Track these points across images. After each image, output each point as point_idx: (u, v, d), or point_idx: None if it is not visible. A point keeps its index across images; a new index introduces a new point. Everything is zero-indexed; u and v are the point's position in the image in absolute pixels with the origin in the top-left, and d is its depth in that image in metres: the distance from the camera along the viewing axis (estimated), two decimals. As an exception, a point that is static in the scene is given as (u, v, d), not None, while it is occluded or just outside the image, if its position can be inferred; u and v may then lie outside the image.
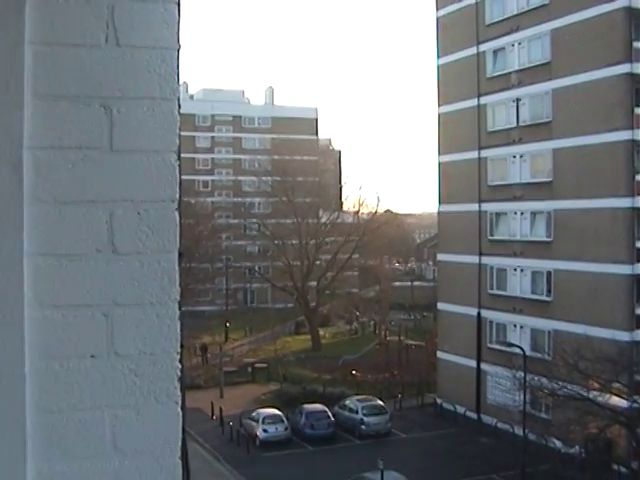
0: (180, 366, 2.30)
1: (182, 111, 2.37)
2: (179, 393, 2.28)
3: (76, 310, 2.24)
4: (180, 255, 2.32)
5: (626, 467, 32.10)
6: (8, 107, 2.16)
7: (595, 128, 43.62)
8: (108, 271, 2.26)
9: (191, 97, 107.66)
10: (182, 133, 2.37)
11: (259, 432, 47.68)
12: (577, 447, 34.82)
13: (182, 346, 2.28)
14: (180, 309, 2.30)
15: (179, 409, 2.30)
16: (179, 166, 2.35)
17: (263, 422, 48.25)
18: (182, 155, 2.38)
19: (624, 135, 42.07)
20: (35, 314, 2.19)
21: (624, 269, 42.02)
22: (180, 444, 2.28)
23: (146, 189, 2.29)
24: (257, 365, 66.88)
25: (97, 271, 2.26)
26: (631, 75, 42.02)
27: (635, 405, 31.74)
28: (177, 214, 2.31)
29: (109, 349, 2.26)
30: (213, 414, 53.25)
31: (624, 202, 42.15)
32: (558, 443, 36.70)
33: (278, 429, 48.01)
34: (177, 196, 2.32)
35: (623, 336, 41.08)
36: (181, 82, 2.39)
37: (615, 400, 32.25)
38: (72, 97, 2.25)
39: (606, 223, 43.27)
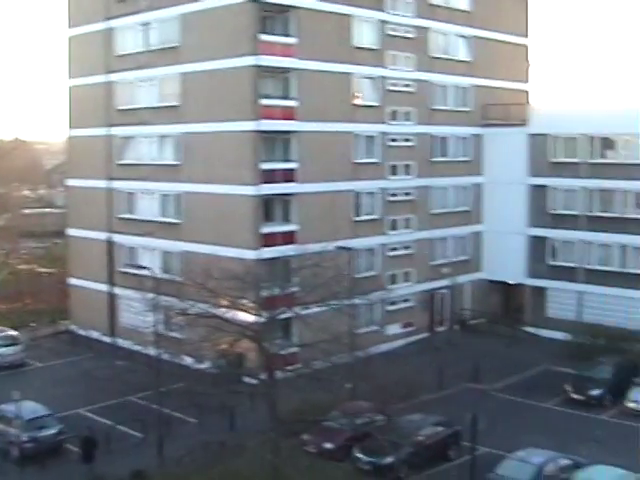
0: None
1: None
2: None
3: None
4: None
5: (256, 378, 33.62)
6: None
7: (222, 53, 44.56)
8: None
9: None
10: None
11: None
12: (208, 363, 35.92)
13: None
14: None
15: None
16: None
17: None
18: None
19: (249, 60, 43.24)
20: None
21: (249, 190, 43.59)
22: None
23: None
24: None
25: None
26: (257, 2, 43.10)
27: (260, 320, 33.19)
28: None
29: None
30: None
31: (249, 125, 43.50)
32: (190, 360, 37.72)
33: None
34: None
35: (249, 255, 42.91)
36: None
37: (243, 316, 33.55)
38: None
39: (233, 146, 44.57)
